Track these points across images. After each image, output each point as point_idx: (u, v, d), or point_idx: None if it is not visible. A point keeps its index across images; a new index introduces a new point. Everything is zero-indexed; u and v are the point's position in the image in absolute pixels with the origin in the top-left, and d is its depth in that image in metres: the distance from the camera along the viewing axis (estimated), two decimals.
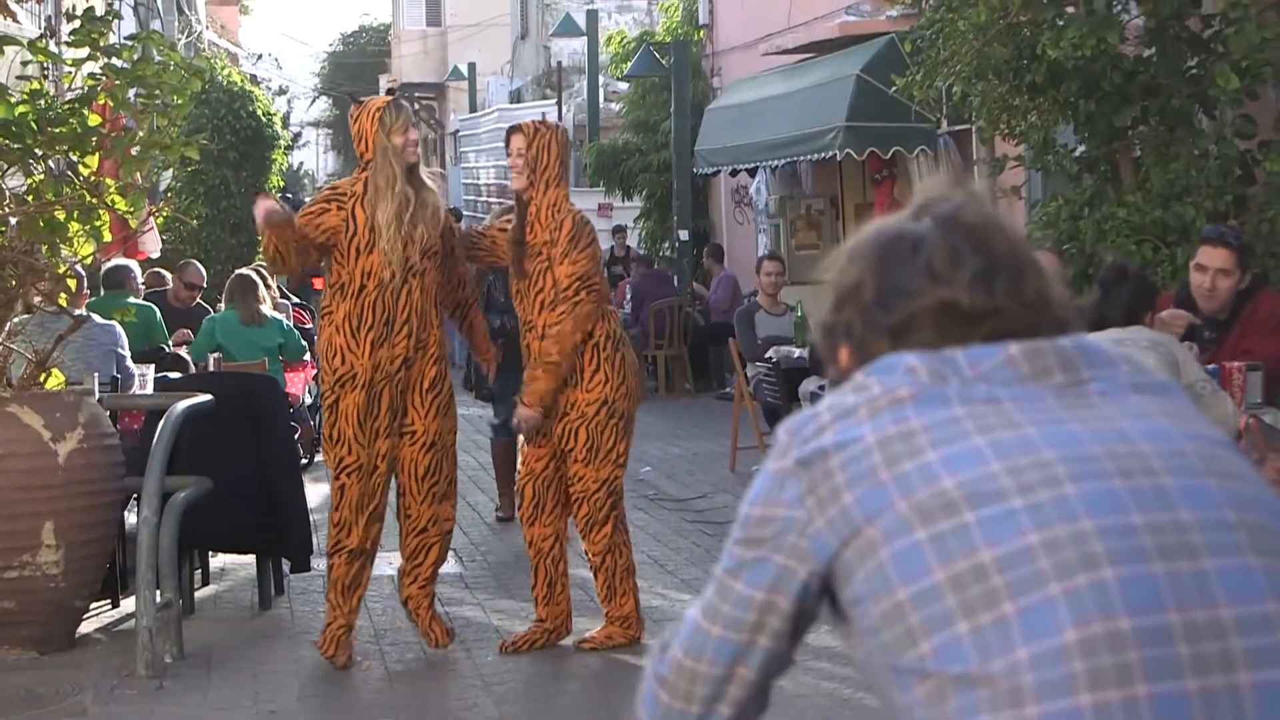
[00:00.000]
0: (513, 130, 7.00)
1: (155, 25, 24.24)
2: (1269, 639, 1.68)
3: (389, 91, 7.11)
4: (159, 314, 10.98)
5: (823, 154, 14.79)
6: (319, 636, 6.86)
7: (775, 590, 1.90)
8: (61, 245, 7.59)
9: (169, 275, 13.07)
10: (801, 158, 15.69)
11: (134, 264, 11.59)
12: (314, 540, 8.33)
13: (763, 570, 1.90)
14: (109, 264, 10.97)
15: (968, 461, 1.78)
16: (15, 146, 7.39)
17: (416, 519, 6.90)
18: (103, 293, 10.73)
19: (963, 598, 1.71)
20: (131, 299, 10.78)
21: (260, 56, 44.38)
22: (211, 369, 10.04)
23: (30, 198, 7.48)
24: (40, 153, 7.48)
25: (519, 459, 7.24)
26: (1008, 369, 1.86)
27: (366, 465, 6.74)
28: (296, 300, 15.06)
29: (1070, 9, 9.19)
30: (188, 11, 31.31)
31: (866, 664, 1.86)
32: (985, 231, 1.92)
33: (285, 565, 8.26)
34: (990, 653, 1.68)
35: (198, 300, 12.38)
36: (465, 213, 30.37)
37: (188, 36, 27.48)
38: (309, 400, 12.75)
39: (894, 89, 11.04)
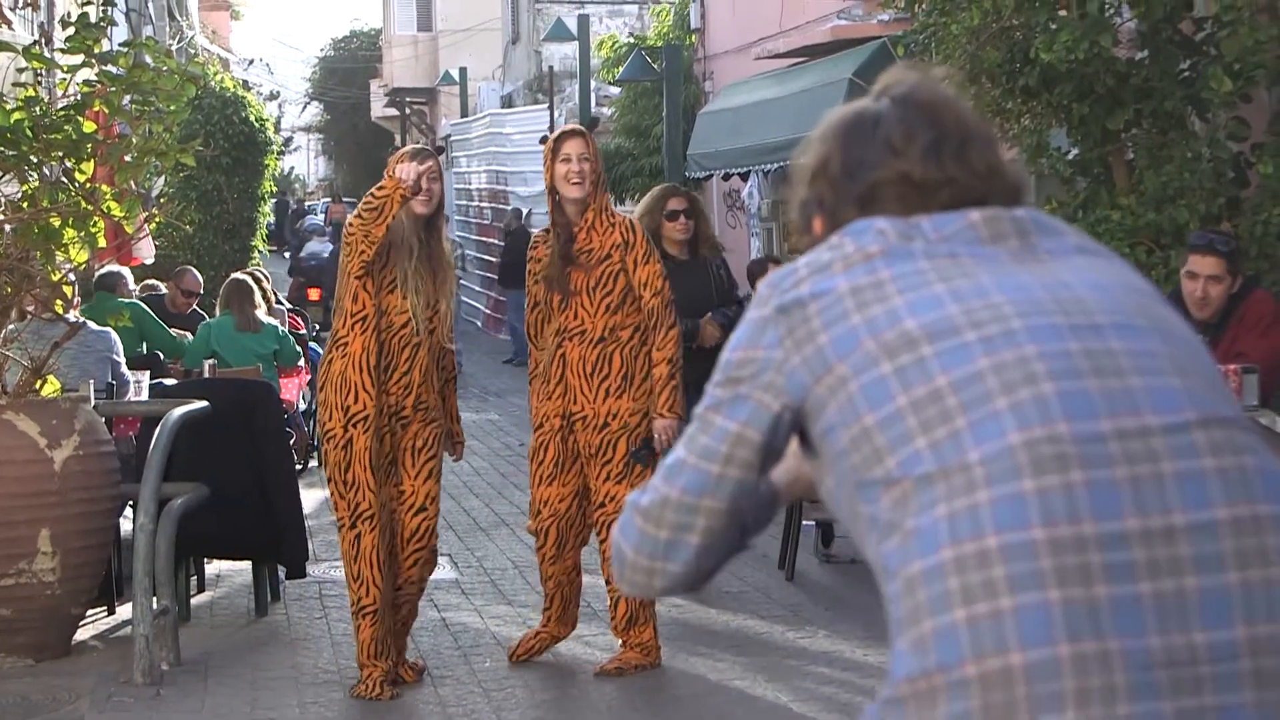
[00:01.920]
0: (568, 134, 6.80)
1: (148, 31, 24.23)
2: (1187, 438, 1.89)
3: (439, 148, 6.94)
4: (150, 312, 10.96)
5: None
6: (356, 686, 6.56)
7: (749, 424, 2.07)
8: (56, 252, 7.59)
9: (163, 285, 13.05)
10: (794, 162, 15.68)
11: (126, 270, 11.58)
12: (310, 546, 8.33)
13: (740, 406, 2.08)
14: (100, 270, 10.96)
15: (929, 305, 1.97)
16: (10, 154, 7.39)
17: (401, 575, 6.68)
18: (94, 298, 10.71)
19: (922, 417, 1.91)
20: (122, 300, 10.75)
21: (252, 62, 44.34)
22: (206, 375, 10.03)
23: (25, 204, 7.48)
24: (35, 159, 7.48)
25: (544, 495, 6.88)
26: (969, 232, 2.06)
27: (379, 513, 6.51)
28: (290, 306, 15.07)
29: (1063, 12, 9.19)
30: (179, 17, 31.28)
31: (835, 490, 2.03)
32: (936, 108, 2.13)
33: (281, 571, 8.26)
34: (946, 457, 1.88)
35: (194, 307, 12.36)
36: (457, 217, 30.40)
37: (180, 42, 27.46)
38: (304, 406, 12.75)
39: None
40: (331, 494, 6.60)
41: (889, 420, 1.93)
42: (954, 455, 1.88)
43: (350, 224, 6.41)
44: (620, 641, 6.87)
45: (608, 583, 6.83)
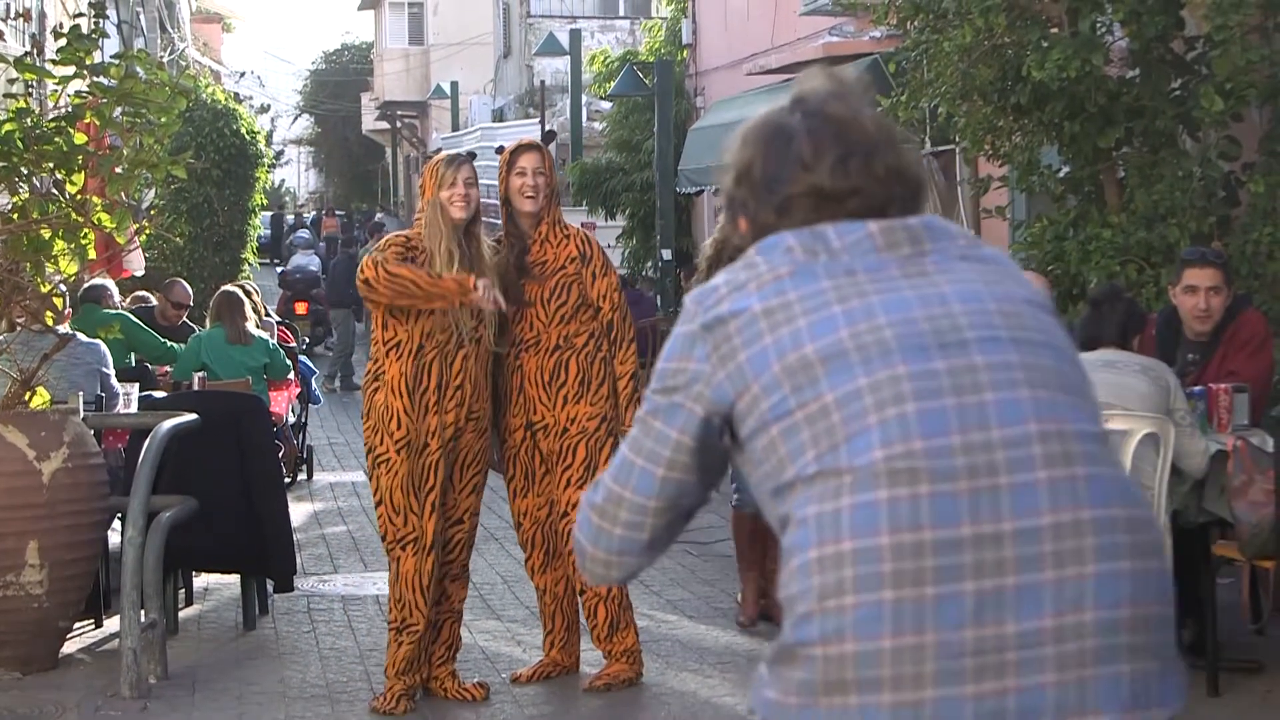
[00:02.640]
0: (524, 148, 6.81)
1: (139, 43, 24.21)
2: (1026, 451, 2.17)
3: (470, 154, 6.93)
4: (138, 321, 10.94)
5: None
6: (375, 699, 6.55)
7: (684, 431, 2.35)
8: (46, 263, 7.57)
9: (152, 296, 13.03)
10: None
11: (111, 283, 11.54)
12: (298, 560, 8.31)
13: (675, 413, 2.35)
14: (87, 283, 10.94)
15: (825, 329, 2.25)
16: (1, 165, 7.37)
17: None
18: (80, 310, 10.68)
19: (813, 431, 2.21)
20: (109, 312, 10.72)
21: (243, 74, 44.34)
22: (196, 387, 10.01)
23: (15, 216, 7.46)
24: (26, 171, 7.46)
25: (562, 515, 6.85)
26: (867, 242, 2.32)
27: (422, 540, 6.47)
28: (280, 319, 15.04)
29: (1055, 30, 9.22)
30: (171, 30, 31.27)
31: (756, 490, 2.32)
32: (845, 123, 2.35)
33: (269, 585, 8.23)
34: (825, 463, 2.19)
35: (184, 319, 12.34)
36: None
37: (171, 54, 27.45)
38: (293, 419, 12.72)
39: (879, 109, 11.04)
40: (379, 516, 6.56)
41: (789, 432, 2.23)
42: (831, 462, 2.18)
43: (373, 274, 6.31)
44: (605, 653, 6.85)
45: (581, 591, 6.83)
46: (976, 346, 2.24)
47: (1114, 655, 2.14)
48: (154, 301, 12.73)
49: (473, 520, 6.70)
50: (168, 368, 10.92)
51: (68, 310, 8.84)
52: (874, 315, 2.25)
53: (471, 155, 6.83)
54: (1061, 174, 9.90)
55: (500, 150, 6.97)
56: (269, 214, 42.15)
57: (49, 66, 7.81)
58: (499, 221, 6.94)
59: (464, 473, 6.61)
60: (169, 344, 11.04)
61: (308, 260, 26.25)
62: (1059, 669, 2.11)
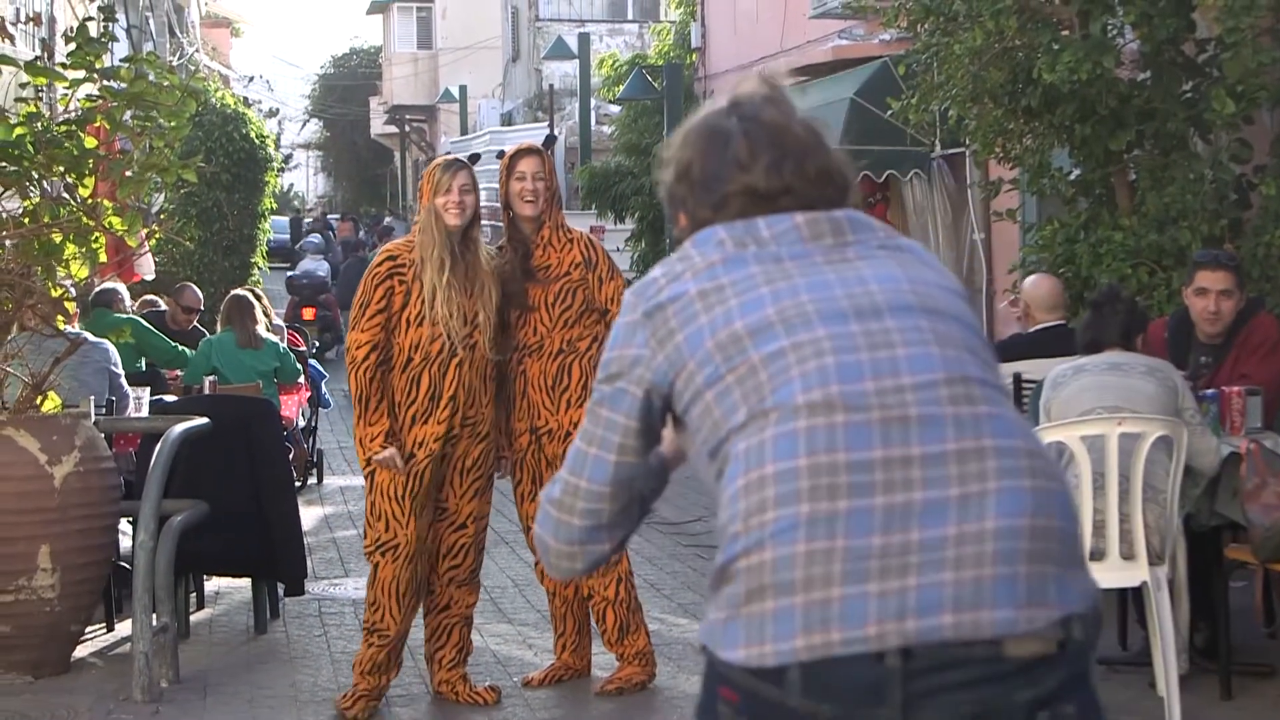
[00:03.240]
0: (524, 153, 6.79)
1: (148, 47, 24.23)
2: (933, 393, 2.36)
3: (472, 157, 6.91)
4: (149, 326, 10.95)
5: None
6: (342, 696, 6.58)
7: (630, 414, 2.53)
8: (57, 267, 7.58)
9: (161, 300, 13.04)
10: None
11: (122, 287, 11.56)
12: (309, 564, 8.31)
13: (621, 399, 2.53)
14: (97, 288, 10.95)
15: (753, 307, 2.43)
16: (12, 169, 7.38)
17: (438, 596, 6.64)
18: (91, 314, 10.69)
19: (743, 389, 2.39)
20: (120, 316, 10.73)
21: (252, 79, 44.37)
22: (207, 391, 10.01)
23: (26, 219, 7.47)
24: (37, 175, 7.46)
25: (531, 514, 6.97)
26: (793, 233, 2.51)
27: (404, 547, 6.47)
28: (286, 324, 15.05)
29: (1066, 33, 9.20)
30: (180, 34, 31.30)
31: (696, 458, 2.50)
32: (779, 128, 2.55)
33: (280, 589, 8.23)
34: (754, 409, 2.37)
35: (195, 323, 12.35)
36: None
37: (180, 59, 27.47)
38: (303, 423, 12.72)
39: (889, 112, 11.05)
40: (366, 520, 6.60)
41: (721, 395, 2.41)
42: (758, 406, 2.37)
43: (355, 359, 6.38)
44: (617, 656, 6.84)
45: (588, 596, 6.81)
46: (890, 314, 2.43)
47: (1012, 558, 2.27)
48: (163, 306, 12.74)
49: (478, 525, 6.66)
50: (178, 371, 10.94)
51: (75, 313, 8.85)
52: (798, 294, 2.45)
53: (474, 159, 6.83)
54: (1072, 177, 9.89)
55: (500, 155, 6.96)
56: (286, 218, 42.16)
57: (59, 70, 7.81)
58: (500, 224, 6.92)
59: (464, 478, 6.58)
60: (179, 348, 11.05)
61: (316, 265, 26.22)
62: (957, 568, 2.25)
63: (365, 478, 6.56)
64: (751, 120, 2.56)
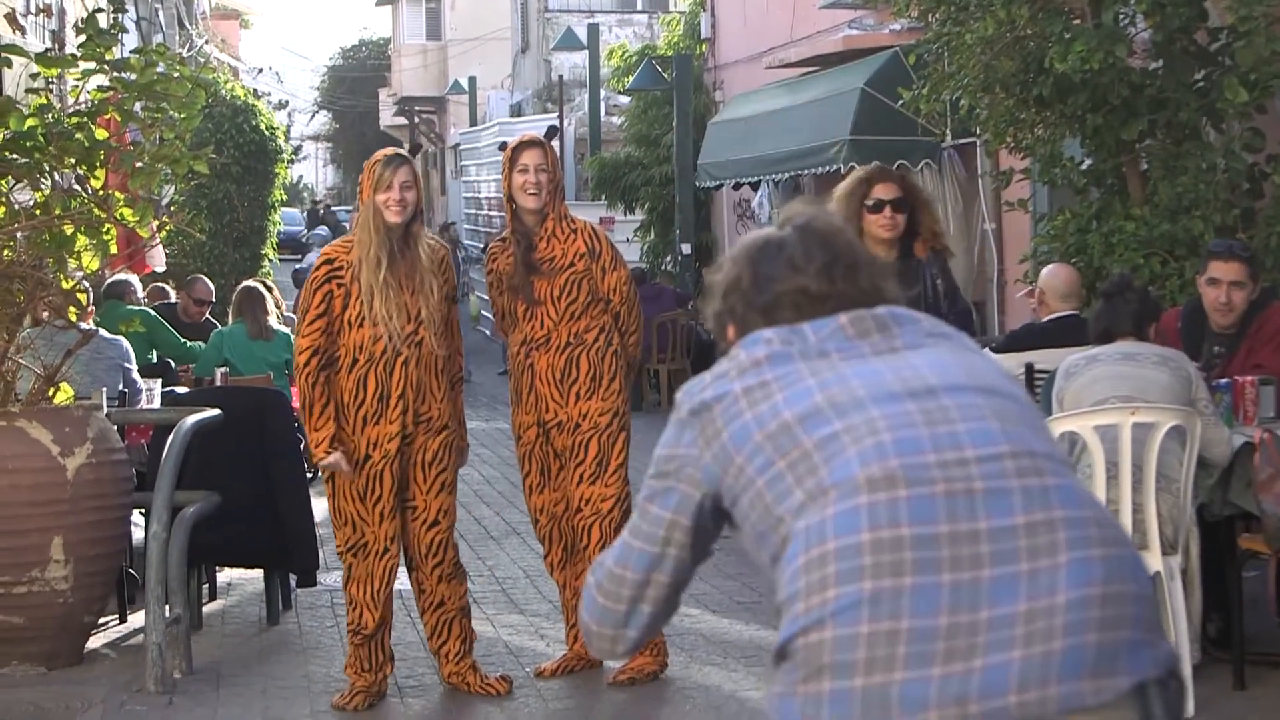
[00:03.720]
0: (526, 145, 6.74)
1: (158, 39, 24.24)
2: (998, 465, 2.33)
3: (414, 148, 6.81)
4: (160, 319, 10.96)
5: (826, 168, 14.78)
6: (339, 696, 6.57)
7: (679, 511, 2.56)
8: (69, 259, 7.58)
9: (170, 290, 13.05)
10: (805, 171, 15.68)
11: (134, 278, 11.57)
12: (321, 554, 8.31)
13: (670, 496, 2.56)
14: (110, 279, 10.96)
15: (800, 398, 2.43)
16: (23, 160, 7.38)
17: (431, 594, 6.59)
18: (104, 306, 10.71)
19: (796, 474, 2.38)
20: (132, 308, 10.75)
21: (261, 70, 44.39)
22: (218, 383, 10.02)
23: (38, 211, 7.47)
24: (48, 166, 7.46)
25: (538, 507, 6.92)
26: (839, 333, 2.52)
27: (373, 546, 6.44)
28: (291, 315, 15.05)
29: (1077, 22, 9.18)
30: (189, 26, 31.32)
31: (749, 548, 2.49)
32: (830, 236, 2.61)
33: (293, 579, 8.24)
34: (811, 491, 2.35)
35: (206, 315, 12.37)
36: (466, 226, 30.39)
37: (189, 51, 27.48)
38: None
39: (900, 102, 11.04)
40: (332, 523, 6.57)
41: (773, 481, 2.40)
42: (815, 487, 2.35)
43: (300, 366, 6.39)
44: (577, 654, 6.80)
45: None
46: (944, 392, 2.43)
47: (1082, 628, 2.22)
48: (173, 295, 12.75)
49: (449, 520, 6.57)
50: (190, 364, 10.95)
51: (91, 306, 8.86)
52: (846, 381, 2.44)
53: (416, 149, 6.79)
54: (1084, 166, 9.87)
55: (502, 147, 6.92)
56: (305, 210, 42.04)
57: (71, 58, 7.81)
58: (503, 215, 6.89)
59: (427, 473, 6.49)
60: (188, 344, 11.06)
61: None
62: (1026, 645, 2.21)
63: (325, 483, 6.51)
64: (803, 227, 2.62)
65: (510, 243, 6.76)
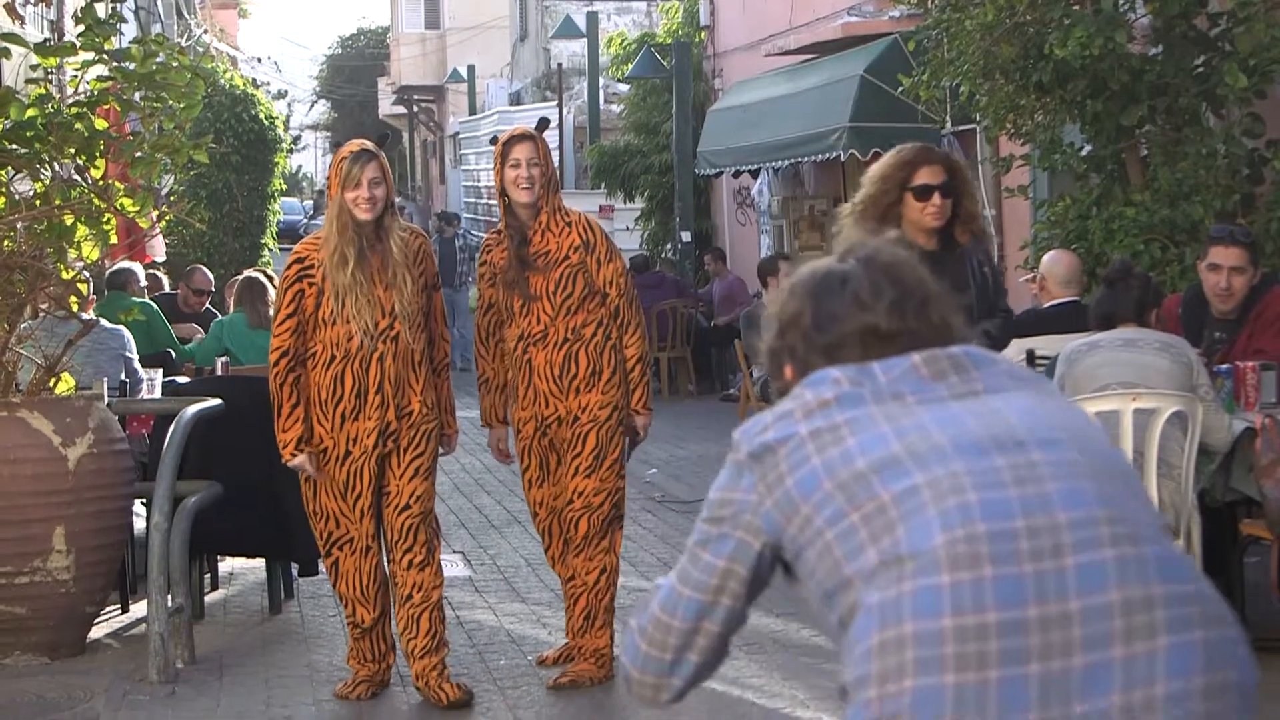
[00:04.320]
0: (517, 139, 6.64)
1: (156, 29, 24.22)
2: (1092, 531, 2.17)
3: (381, 138, 6.65)
4: (161, 313, 10.97)
5: (826, 155, 14.78)
6: (341, 685, 6.55)
7: (734, 559, 2.41)
8: (69, 249, 7.58)
9: (165, 279, 13.05)
10: (804, 159, 15.67)
11: (137, 266, 11.57)
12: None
13: (724, 543, 2.41)
14: (112, 268, 10.95)
15: (875, 444, 2.28)
16: (23, 151, 7.38)
17: (401, 585, 6.38)
18: (105, 295, 10.70)
19: (871, 529, 2.22)
20: (135, 300, 10.75)
21: (259, 59, 44.35)
22: (219, 373, 10.02)
23: (38, 201, 7.47)
24: (48, 157, 7.46)
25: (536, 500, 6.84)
26: (913, 373, 2.36)
27: (358, 542, 6.39)
28: None
29: (1077, 8, 9.18)
30: (187, 15, 31.29)
31: (813, 603, 2.36)
32: (898, 269, 2.43)
33: (294, 569, 8.25)
34: (886, 554, 2.20)
35: (207, 305, 12.37)
36: (465, 215, 30.39)
37: (188, 40, 27.46)
38: None
39: (900, 89, 11.03)
40: (310, 520, 6.50)
41: (845, 534, 2.25)
42: (892, 551, 2.19)
43: (273, 362, 6.31)
44: (574, 648, 6.71)
45: (570, 578, 6.70)
46: (1035, 446, 2.26)
47: None
48: (166, 284, 12.76)
49: (421, 506, 6.39)
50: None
51: (92, 296, 8.86)
52: (926, 429, 2.28)
53: (383, 139, 6.70)
54: (1084, 152, 9.86)
55: (494, 141, 6.86)
56: (298, 200, 41.99)
57: (71, 46, 7.80)
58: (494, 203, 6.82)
59: (402, 458, 6.37)
60: (184, 347, 11.05)
61: None
62: None
63: (303, 481, 6.44)
64: (869, 261, 2.45)
65: (504, 236, 6.69)
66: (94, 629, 7.40)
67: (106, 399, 7.40)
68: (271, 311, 11.14)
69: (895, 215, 5.93)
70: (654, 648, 2.48)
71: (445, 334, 6.63)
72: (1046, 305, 8.19)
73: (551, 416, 6.65)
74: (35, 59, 7.65)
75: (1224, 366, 6.78)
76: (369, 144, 6.39)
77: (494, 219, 28.50)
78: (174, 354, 10.91)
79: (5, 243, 7.41)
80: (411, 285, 6.31)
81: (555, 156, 24.59)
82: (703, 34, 21.59)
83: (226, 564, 8.96)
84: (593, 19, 25.42)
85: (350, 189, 6.20)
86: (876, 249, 2.47)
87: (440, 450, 6.61)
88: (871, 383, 2.34)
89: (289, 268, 6.34)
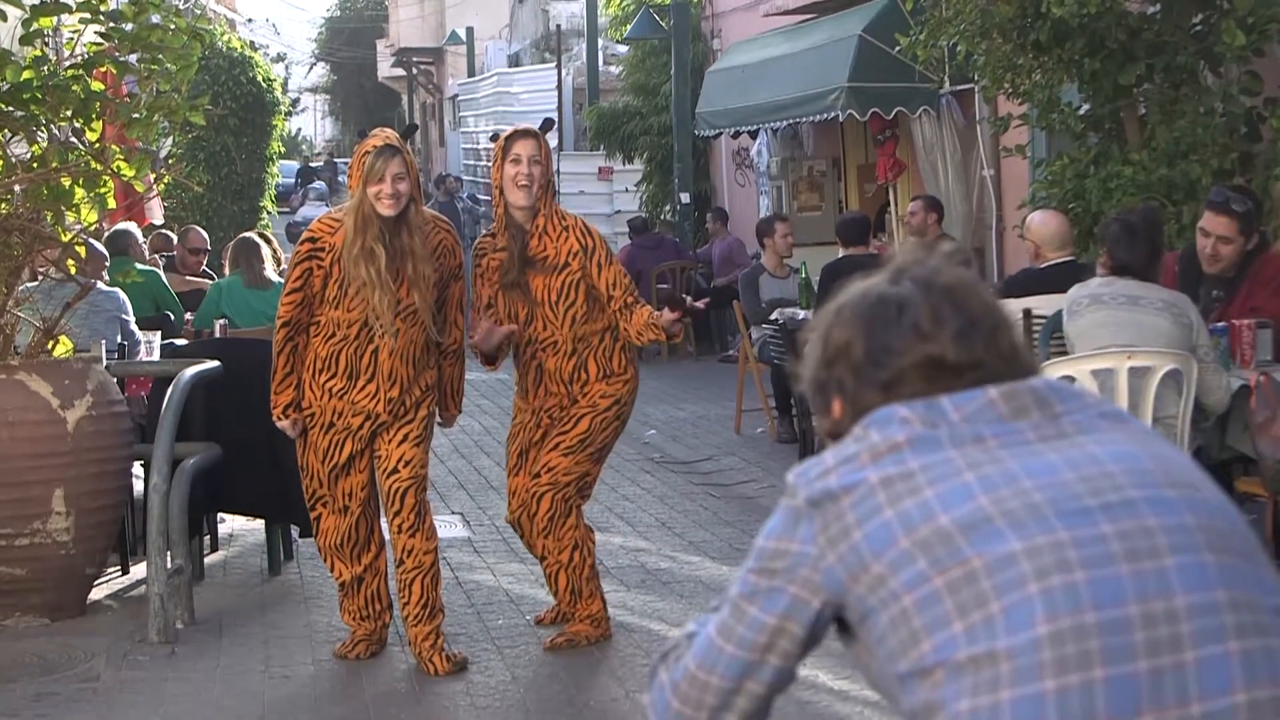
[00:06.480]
0: (519, 135, 6.57)
1: None
2: (1215, 620, 1.92)
3: (408, 130, 6.58)
4: (163, 278, 10.97)
5: (824, 115, 14.75)
6: (340, 645, 6.60)
7: (788, 617, 2.13)
8: (67, 212, 7.58)
9: (174, 236, 13.06)
10: (803, 119, 15.64)
11: (136, 228, 11.56)
12: None
13: (777, 598, 2.13)
14: (111, 230, 10.94)
15: (959, 497, 2.01)
16: (19, 114, 7.37)
17: (396, 549, 6.38)
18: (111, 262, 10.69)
19: (958, 600, 1.96)
20: (142, 268, 10.75)
21: (251, 20, 44.26)
22: (217, 335, 10.02)
23: (35, 165, 7.47)
24: (45, 119, 7.46)
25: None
26: (989, 411, 2.09)
27: (333, 503, 6.46)
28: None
29: None
30: None
31: (879, 677, 2.09)
32: (962, 292, 2.15)
33: (294, 530, 8.27)
34: (977, 642, 1.93)
35: (204, 266, 12.37)
36: (466, 178, 30.35)
37: (185, 2, 27.38)
38: None
39: (898, 49, 11.01)
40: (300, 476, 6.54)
41: (927, 601, 1.99)
42: (985, 641, 1.94)
43: (276, 321, 6.33)
44: (570, 615, 6.74)
45: (542, 558, 6.69)
46: (1146, 506, 2.01)
47: None
48: (174, 239, 12.76)
49: (410, 471, 6.33)
50: (189, 315, 10.95)
51: (106, 262, 8.88)
52: (1016, 480, 2.02)
53: (411, 130, 6.65)
54: (1082, 111, 9.85)
55: (494, 138, 6.81)
56: (317, 164, 41.86)
57: (64, 15, 7.78)
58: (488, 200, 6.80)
59: (393, 424, 6.36)
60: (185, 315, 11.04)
61: (316, 211, 26.19)
62: None
63: (298, 436, 6.47)
64: (928, 283, 2.15)
65: (501, 238, 6.61)
66: (94, 590, 7.43)
67: (104, 361, 7.41)
68: (267, 271, 11.20)
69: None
70: (687, 706, 2.21)
71: (460, 321, 6.58)
72: (1043, 265, 8.19)
73: (554, 405, 6.66)
74: (30, 22, 7.62)
75: (1220, 325, 6.79)
76: (393, 138, 6.25)
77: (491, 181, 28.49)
78: (173, 317, 10.92)
79: (3, 206, 7.42)
80: (429, 281, 6.26)
81: (555, 119, 24.54)
82: None
83: (226, 525, 8.98)
84: None
85: (374, 183, 6.10)
86: (934, 269, 2.17)
87: (437, 421, 6.62)
88: (946, 422, 2.08)
89: (301, 244, 6.32)
